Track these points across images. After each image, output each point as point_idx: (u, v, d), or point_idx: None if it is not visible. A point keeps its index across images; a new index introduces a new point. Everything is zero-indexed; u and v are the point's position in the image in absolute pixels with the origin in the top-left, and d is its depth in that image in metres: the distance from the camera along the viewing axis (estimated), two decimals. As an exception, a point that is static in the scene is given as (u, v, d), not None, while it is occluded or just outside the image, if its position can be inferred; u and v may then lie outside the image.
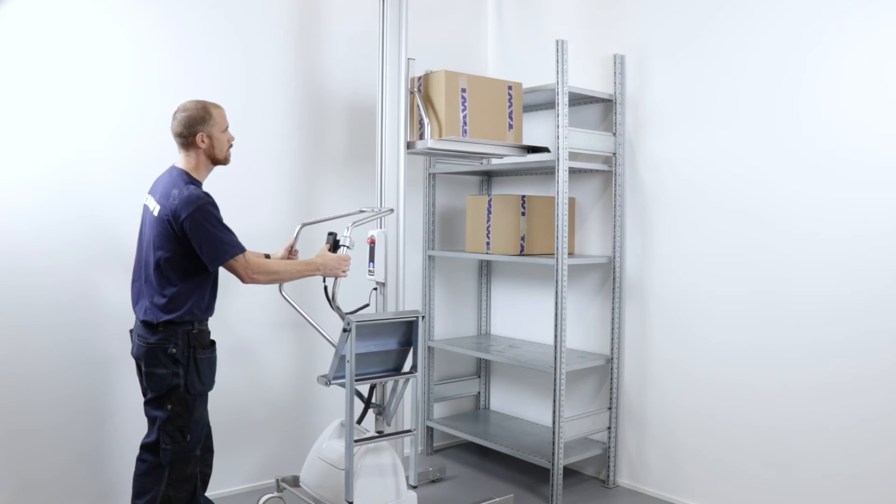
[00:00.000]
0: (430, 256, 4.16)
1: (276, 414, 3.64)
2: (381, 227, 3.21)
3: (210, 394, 3.40)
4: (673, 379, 3.48)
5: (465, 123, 3.32)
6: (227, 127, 2.70)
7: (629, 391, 3.67)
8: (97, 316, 3.13)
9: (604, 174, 3.77)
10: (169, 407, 2.56)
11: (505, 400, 4.35)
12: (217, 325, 3.41)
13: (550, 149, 3.51)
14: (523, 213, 3.70)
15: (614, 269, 3.67)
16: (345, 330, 2.70)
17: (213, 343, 2.69)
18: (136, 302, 2.66)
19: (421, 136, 3.33)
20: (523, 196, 3.71)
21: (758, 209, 3.15)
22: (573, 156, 3.47)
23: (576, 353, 3.78)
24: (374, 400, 3.11)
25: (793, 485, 3.05)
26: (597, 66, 3.76)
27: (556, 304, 3.42)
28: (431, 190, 4.15)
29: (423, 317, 2.96)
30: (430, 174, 4.13)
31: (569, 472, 3.83)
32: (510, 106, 3.50)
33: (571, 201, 3.84)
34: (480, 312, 4.44)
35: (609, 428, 3.68)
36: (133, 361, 2.70)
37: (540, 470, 3.79)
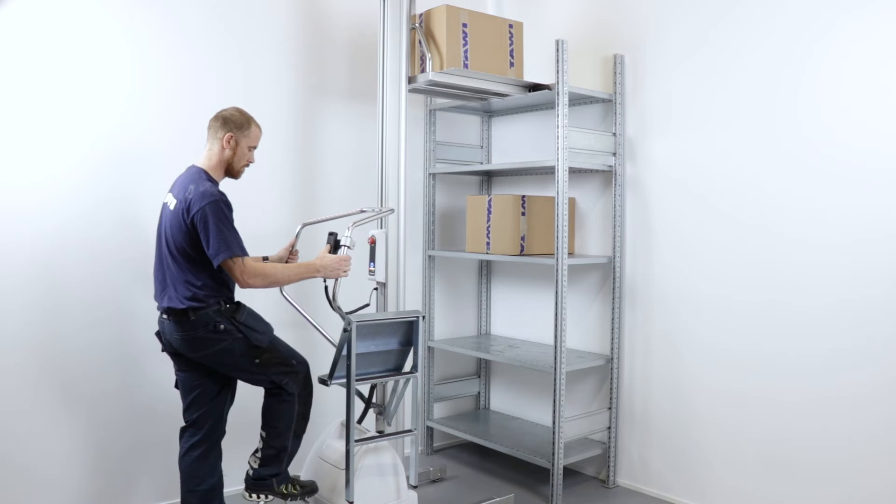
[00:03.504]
0: (430, 256, 4.17)
1: (277, 414, 3.63)
2: (381, 227, 3.21)
3: (210, 394, 3.42)
4: (673, 379, 3.48)
5: (466, 58, 3.33)
6: (256, 148, 2.79)
7: (629, 391, 3.67)
8: (108, 313, 3.13)
9: (604, 174, 3.77)
10: (257, 360, 2.67)
11: (505, 400, 4.35)
12: (217, 325, 3.42)
13: (552, 87, 3.45)
14: (523, 213, 3.70)
15: (614, 269, 3.67)
16: (345, 330, 2.71)
17: (239, 306, 2.72)
18: (160, 295, 2.69)
19: (423, 70, 3.34)
20: (523, 196, 3.72)
21: (758, 209, 3.16)
22: (573, 156, 3.47)
23: (576, 354, 3.78)
24: (374, 400, 3.11)
25: (793, 485, 3.05)
26: (597, 66, 3.76)
27: (556, 304, 3.42)
28: (431, 190, 4.15)
29: (423, 317, 2.96)
30: (430, 174, 4.13)
31: (569, 472, 3.83)
32: (511, 44, 3.51)
33: (571, 201, 3.84)
34: (480, 312, 4.44)
35: (609, 428, 3.69)
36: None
37: (540, 470, 3.79)
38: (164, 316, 2.69)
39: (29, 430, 2.99)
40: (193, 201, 2.54)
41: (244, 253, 2.61)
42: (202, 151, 2.75)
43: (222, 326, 2.62)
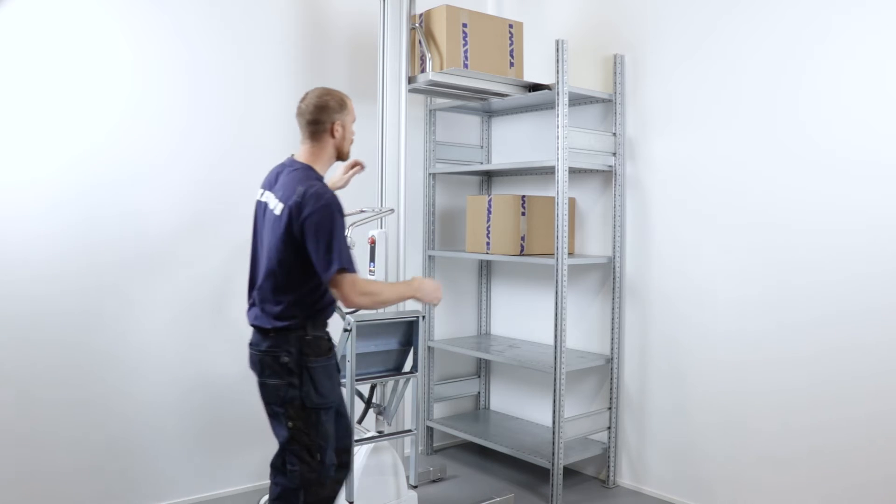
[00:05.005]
0: (430, 256, 4.16)
1: (277, 414, 3.63)
2: (381, 227, 3.21)
3: (210, 394, 3.43)
4: (673, 379, 3.48)
5: (466, 58, 3.33)
6: (355, 120, 2.55)
7: (629, 391, 3.67)
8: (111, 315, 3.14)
9: (604, 174, 3.77)
10: (290, 424, 2.33)
11: (505, 400, 4.35)
12: (217, 325, 3.43)
13: (552, 87, 3.45)
14: (523, 213, 3.70)
15: (614, 269, 3.67)
16: (345, 330, 2.71)
17: (330, 349, 2.43)
18: (249, 308, 2.47)
19: (422, 70, 3.34)
20: (523, 196, 3.72)
21: (758, 209, 3.15)
22: (573, 156, 3.47)
23: (576, 353, 3.78)
24: (374, 400, 3.11)
25: (793, 485, 3.05)
26: (597, 66, 3.76)
27: (556, 304, 3.42)
28: (431, 190, 4.15)
29: (423, 317, 2.96)
30: (430, 174, 4.13)
31: (569, 472, 3.83)
32: (511, 44, 3.50)
33: (571, 201, 3.84)
34: (480, 312, 4.44)
35: (609, 428, 3.69)
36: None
37: (540, 470, 3.79)
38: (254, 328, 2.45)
39: (29, 430, 2.99)
40: (304, 204, 2.25)
41: (354, 268, 2.32)
42: (301, 144, 2.48)
43: (285, 360, 2.33)
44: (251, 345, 2.44)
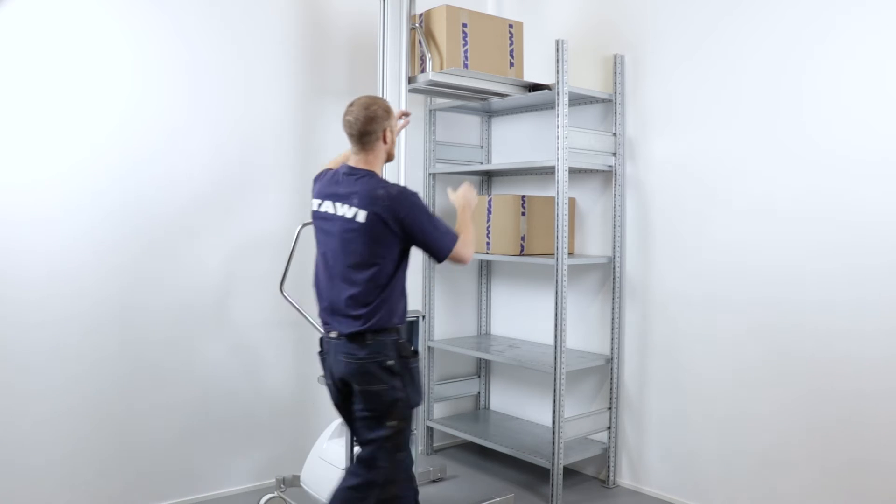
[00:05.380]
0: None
1: (277, 414, 3.64)
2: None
3: (211, 393, 3.43)
4: (673, 379, 3.48)
5: (466, 58, 3.33)
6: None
7: (629, 391, 3.67)
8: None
9: (604, 174, 3.77)
10: (393, 423, 2.40)
11: (505, 400, 4.35)
12: (218, 325, 3.43)
13: (552, 87, 3.45)
14: (523, 213, 3.70)
15: (614, 269, 3.67)
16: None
17: (416, 352, 2.53)
18: (329, 317, 2.48)
19: (422, 70, 3.35)
20: (523, 196, 3.72)
21: (759, 209, 3.16)
22: (573, 156, 3.47)
23: (576, 353, 3.78)
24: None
25: (793, 485, 3.05)
26: (597, 66, 3.76)
27: (556, 304, 3.42)
28: (431, 190, 4.15)
29: (423, 317, 2.96)
30: (430, 174, 4.13)
31: (569, 472, 3.83)
32: (511, 44, 3.50)
33: (571, 201, 3.84)
34: (480, 312, 4.44)
35: (609, 428, 3.69)
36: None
37: (540, 470, 3.79)
38: (333, 336, 2.47)
39: (28, 431, 2.99)
40: (397, 206, 2.35)
41: (455, 232, 2.48)
42: (355, 154, 2.50)
43: (390, 363, 2.39)
44: (345, 353, 2.42)
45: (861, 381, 2.85)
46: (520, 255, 3.70)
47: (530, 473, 3.86)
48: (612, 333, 3.68)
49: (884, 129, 2.78)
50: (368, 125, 2.44)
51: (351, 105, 2.48)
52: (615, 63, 3.64)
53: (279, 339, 3.62)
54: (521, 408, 4.24)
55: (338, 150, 3.79)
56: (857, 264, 2.86)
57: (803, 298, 3.01)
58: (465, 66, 3.34)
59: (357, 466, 2.47)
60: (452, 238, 2.44)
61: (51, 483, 3.04)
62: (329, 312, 2.49)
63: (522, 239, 3.71)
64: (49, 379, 3.02)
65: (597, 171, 3.74)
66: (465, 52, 3.33)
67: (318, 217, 2.53)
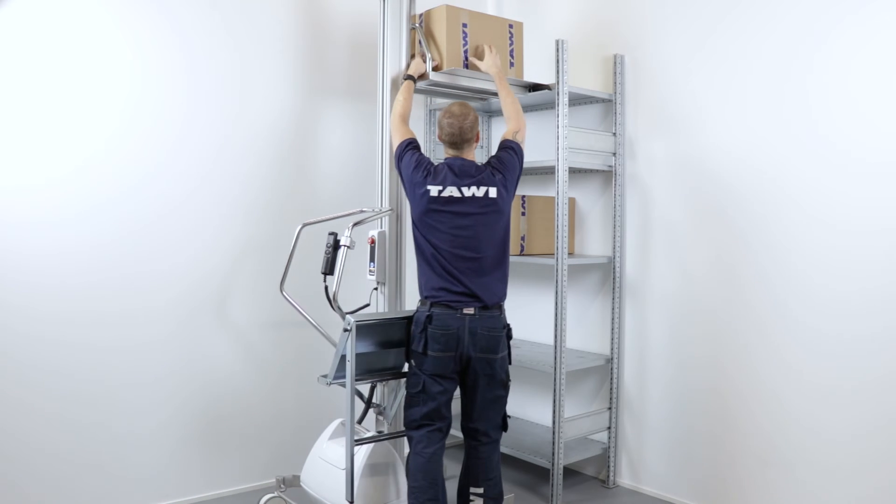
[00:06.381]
0: (430, 256, 4.16)
1: (276, 414, 3.64)
2: (381, 227, 3.21)
3: (211, 394, 3.43)
4: (673, 379, 3.48)
5: (466, 58, 3.33)
6: None
7: (629, 391, 3.67)
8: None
9: (604, 174, 3.77)
10: (508, 381, 2.80)
11: (505, 400, 4.35)
12: (218, 325, 3.43)
13: (552, 87, 3.45)
14: (523, 213, 3.70)
15: (614, 269, 3.67)
16: (345, 330, 2.70)
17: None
18: (470, 297, 2.68)
19: None
20: (523, 196, 3.72)
21: (759, 209, 3.15)
22: (573, 155, 3.47)
23: (576, 353, 3.78)
24: (374, 400, 3.11)
25: (793, 485, 3.05)
26: (597, 66, 3.76)
27: (556, 304, 3.42)
28: (431, 190, 4.15)
29: (423, 317, 2.96)
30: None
31: (569, 472, 3.84)
32: (511, 44, 3.50)
33: (571, 201, 3.84)
34: (480, 312, 4.43)
35: (609, 428, 3.69)
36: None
37: (540, 470, 3.79)
38: (470, 311, 2.67)
39: (30, 430, 2.99)
40: (500, 168, 2.76)
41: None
42: (462, 151, 2.81)
43: (511, 332, 2.81)
44: (489, 329, 2.68)
45: (863, 385, 2.84)
46: (520, 254, 3.70)
47: (530, 473, 3.86)
48: (612, 333, 3.68)
49: (891, 126, 2.77)
50: (475, 129, 2.83)
51: (452, 110, 2.80)
52: (615, 63, 3.64)
53: (279, 339, 3.62)
54: (520, 408, 4.24)
55: (339, 149, 3.81)
56: (864, 266, 2.86)
57: (806, 299, 3.01)
58: (466, 66, 3.34)
59: (498, 431, 2.81)
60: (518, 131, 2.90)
61: (51, 482, 3.04)
62: (468, 293, 2.68)
63: (522, 239, 3.71)
64: (49, 378, 3.02)
65: (597, 171, 3.74)
66: (466, 52, 3.33)
67: (436, 200, 2.72)
